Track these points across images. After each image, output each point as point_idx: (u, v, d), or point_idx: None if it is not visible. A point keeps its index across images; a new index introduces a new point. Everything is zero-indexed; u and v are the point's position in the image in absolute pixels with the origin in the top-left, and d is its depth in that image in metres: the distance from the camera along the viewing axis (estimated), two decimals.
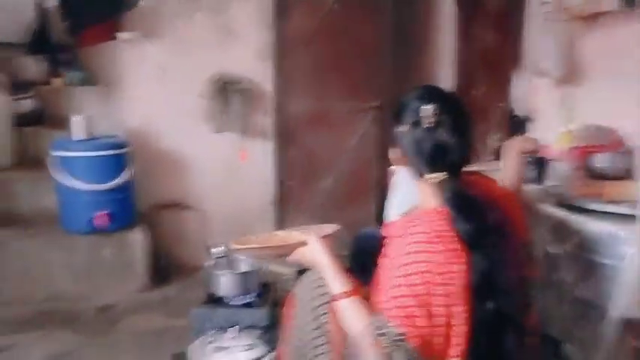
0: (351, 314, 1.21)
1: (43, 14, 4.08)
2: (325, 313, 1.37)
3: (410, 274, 1.15)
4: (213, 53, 3.09)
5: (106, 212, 2.71)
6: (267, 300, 2.25)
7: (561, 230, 1.65)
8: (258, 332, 1.92)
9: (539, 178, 2.12)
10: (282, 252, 1.38)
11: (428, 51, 3.97)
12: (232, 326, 2.14)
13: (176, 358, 1.89)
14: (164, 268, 3.04)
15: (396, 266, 1.19)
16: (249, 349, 1.85)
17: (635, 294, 1.45)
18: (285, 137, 3.36)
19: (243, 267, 2.37)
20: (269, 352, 1.85)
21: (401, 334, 1.11)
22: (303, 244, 1.32)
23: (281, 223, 3.40)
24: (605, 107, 2.55)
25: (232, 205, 3.22)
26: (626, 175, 2.04)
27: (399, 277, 1.16)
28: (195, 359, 1.82)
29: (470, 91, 3.39)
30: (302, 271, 1.60)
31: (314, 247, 1.31)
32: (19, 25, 4.16)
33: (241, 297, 2.23)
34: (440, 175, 1.28)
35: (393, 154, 1.33)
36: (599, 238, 1.54)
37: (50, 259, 2.65)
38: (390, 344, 1.11)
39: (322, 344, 1.36)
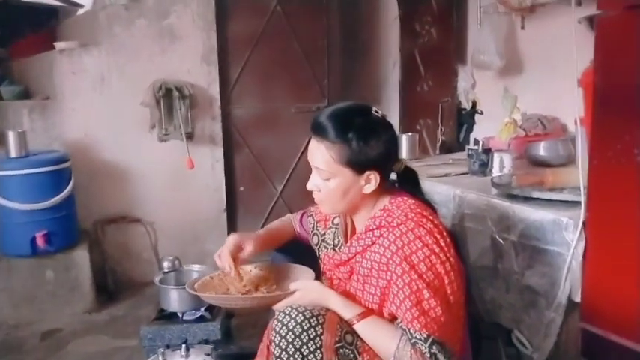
0: (376, 332, 1.21)
1: None
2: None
3: (413, 266, 1.18)
4: (155, 59, 3.01)
5: (46, 232, 2.58)
6: (219, 313, 2.18)
7: (506, 220, 1.66)
8: (209, 347, 1.85)
9: (484, 170, 2.13)
10: (268, 302, 1.34)
11: (373, 50, 3.99)
12: (184, 342, 2.07)
13: None
14: (112, 286, 2.93)
15: (389, 270, 1.21)
16: None
17: (578, 278, 1.47)
18: (234, 142, 3.30)
19: None
20: None
21: (428, 335, 1.14)
22: (291, 293, 1.29)
23: (234, 230, 3.32)
24: (546, 96, 2.62)
25: (182, 215, 3.13)
26: (567, 163, 2.08)
27: (402, 275, 1.18)
28: None
29: (415, 87, 3.41)
30: None
31: (313, 287, 1.29)
32: None
33: (193, 312, 2.16)
34: (402, 162, 1.38)
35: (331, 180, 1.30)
36: (542, 226, 1.55)
37: None
38: (428, 348, 1.14)
39: None
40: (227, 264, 1.42)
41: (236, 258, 1.44)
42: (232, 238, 1.47)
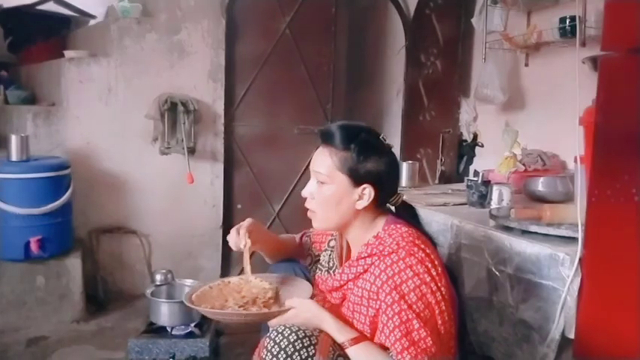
0: (368, 359, 1.19)
1: None
2: None
3: (403, 296, 1.17)
4: (163, 73, 3.03)
5: (40, 237, 2.55)
6: (209, 329, 2.16)
7: (503, 252, 1.66)
8: None
9: (482, 201, 2.14)
10: (263, 319, 1.33)
11: (378, 78, 4.04)
12: (172, 357, 2.04)
13: None
14: (102, 296, 2.89)
15: (379, 299, 1.20)
16: None
17: (572, 315, 1.47)
18: (235, 159, 3.30)
19: None
20: None
21: None
22: (287, 310, 1.27)
23: (229, 247, 3.30)
24: (547, 133, 2.65)
25: (178, 229, 3.11)
26: (565, 199, 2.09)
27: (392, 304, 1.17)
28: None
29: (418, 116, 3.45)
30: None
31: (308, 306, 1.27)
32: None
33: (183, 327, 2.14)
34: (399, 196, 1.39)
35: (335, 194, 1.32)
36: (538, 260, 1.55)
37: None
38: None
39: None
40: (244, 241, 1.41)
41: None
42: (251, 221, 1.47)
